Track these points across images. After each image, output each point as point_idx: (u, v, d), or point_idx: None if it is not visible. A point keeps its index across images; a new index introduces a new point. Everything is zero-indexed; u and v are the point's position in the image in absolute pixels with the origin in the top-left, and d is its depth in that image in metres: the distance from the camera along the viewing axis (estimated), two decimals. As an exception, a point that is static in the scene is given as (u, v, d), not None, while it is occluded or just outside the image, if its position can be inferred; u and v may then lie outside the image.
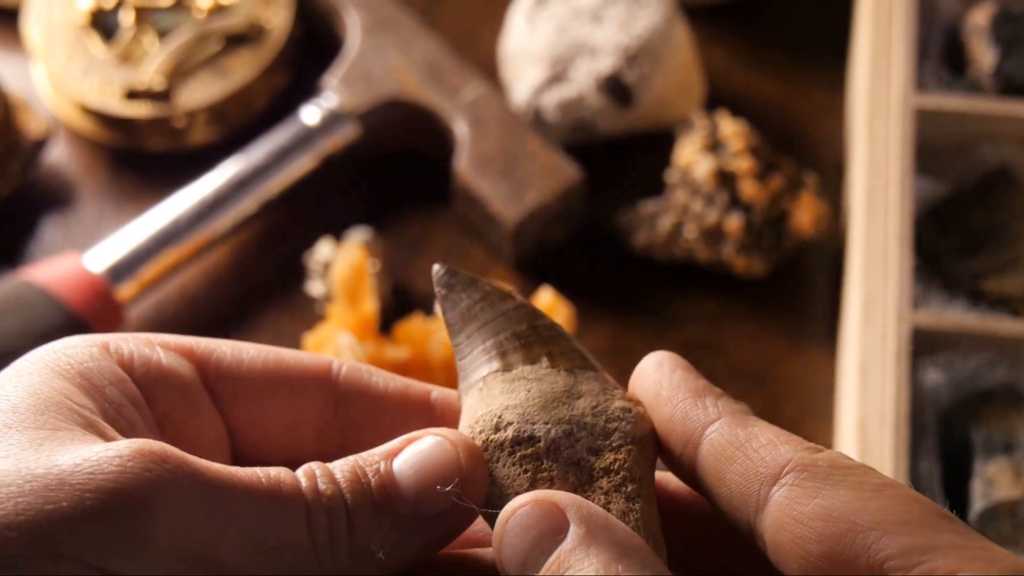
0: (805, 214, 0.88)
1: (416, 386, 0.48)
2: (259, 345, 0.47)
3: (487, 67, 0.98)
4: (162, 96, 0.92)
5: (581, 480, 0.43)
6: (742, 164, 0.88)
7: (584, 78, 0.93)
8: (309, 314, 0.89)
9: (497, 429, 0.44)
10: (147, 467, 0.39)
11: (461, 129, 0.91)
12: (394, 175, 0.95)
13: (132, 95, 0.92)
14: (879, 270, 0.80)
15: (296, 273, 0.91)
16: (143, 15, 0.95)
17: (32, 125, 0.92)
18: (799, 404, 0.87)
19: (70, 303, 0.84)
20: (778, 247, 0.89)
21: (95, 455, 0.39)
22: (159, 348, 0.45)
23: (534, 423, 0.44)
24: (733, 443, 0.43)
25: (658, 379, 0.45)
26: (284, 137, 0.92)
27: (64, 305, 0.84)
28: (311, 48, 1.00)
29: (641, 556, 0.40)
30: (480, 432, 0.44)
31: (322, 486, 0.41)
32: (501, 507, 0.42)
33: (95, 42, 0.95)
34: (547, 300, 0.83)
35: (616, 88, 0.92)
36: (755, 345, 0.89)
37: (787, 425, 0.86)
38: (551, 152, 0.91)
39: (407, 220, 0.93)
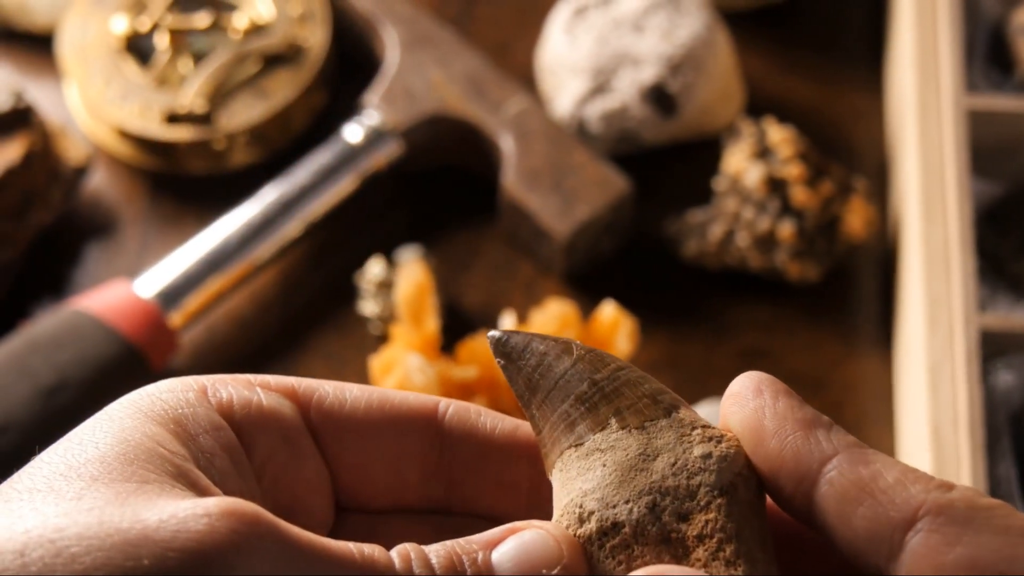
0: (856, 218, 0.88)
1: (525, 427, 0.46)
2: (362, 385, 0.46)
3: (522, 80, 0.98)
4: (203, 119, 0.92)
5: (677, 557, 0.41)
6: (792, 170, 0.88)
7: (628, 88, 0.92)
8: (360, 335, 0.89)
9: (581, 521, 0.42)
10: (235, 528, 0.37)
11: (507, 143, 0.91)
12: (437, 191, 0.95)
13: (173, 119, 0.92)
14: (941, 273, 0.80)
15: (345, 293, 0.90)
16: (178, 38, 0.94)
17: (71, 152, 0.91)
18: (858, 409, 0.87)
19: (124, 331, 0.83)
20: (830, 252, 0.89)
21: (182, 512, 0.37)
22: (259, 389, 0.44)
23: (615, 506, 0.42)
24: (857, 483, 0.40)
25: (759, 407, 0.42)
26: (328, 156, 0.91)
27: (119, 334, 0.83)
28: (346, 66, 0.99)
29: None
30: (568, 527, 0.42)
31: (416, 570, 0.40)
32: None
33: (130, 66, 0.94)
34: (610, 314, 0.83)
35: (660, 98, 0.92)
36: (811, 351, 0.89)
37: (847, 430, 0.86)
38: (598, 164, 0.90)
39: (453, 237, 0.93)
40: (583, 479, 0.43)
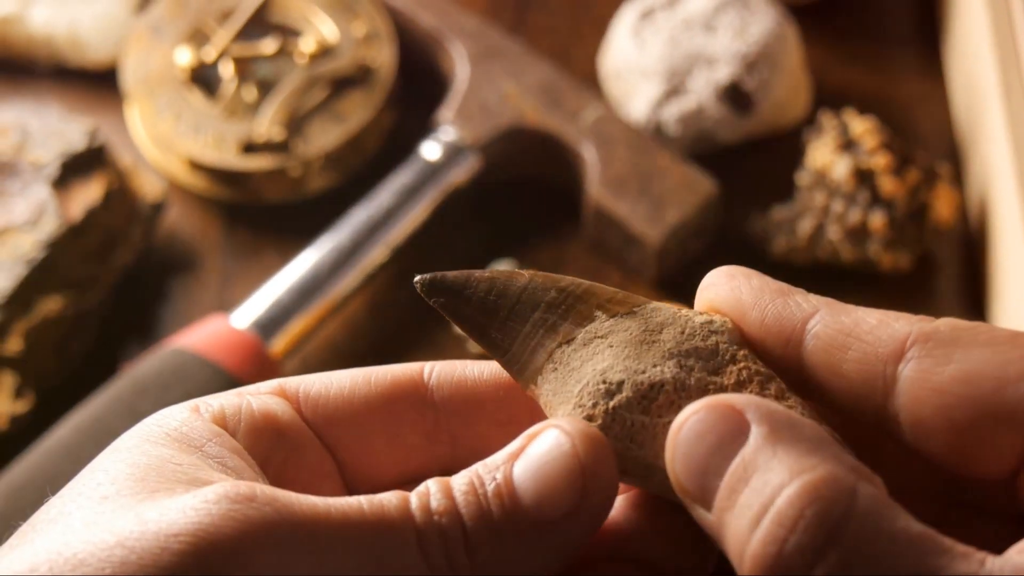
0: (944, 204, 0.88)
1: None
2: (348, 369, 0.45)
3: (588, 87, 0.97)
4: (281, 147, 0.90)
5: None
6: (879, 161, 0.88)
7: (703, 89, 0.92)
8: (458, 354, 0.88)
9: (611, 394, 0.40)
10: (232, 508, 0.37)
11: (589, 152, 0.90)
12: (517, 204, 0.94)
13: (250, 148, 0.90)
14: (1048, 254, 0.80)
15: (437, 313, 0.89)
16: (243, 66, 0.93)
17: (146, 188, 0.90)
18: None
19: (228, 367, 0.82)
20: (920, 240, 0.89)
21: (181, 503, 0.37)
22: (248, 396, 0.44)
23: (644, 372, 0.40)
24: (842, 331, 0.40)
25: (735, 287, 0.42)
26: (409, 176, 0.90)
27: (223, 370, 0.82)
28: (409, 84, 0.98)
29: (833, 449, 0.38)
30: (594, 406, 0.40)
31: (434, 504, 0.39)
32: (653, 470, 0.39)
33: (197, 97, 0.93)
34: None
35: (737, 96, 0.92)
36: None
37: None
38: (682, 166, 0.90)
39: (539, 248, 0.92)
40: (592, 364, 0.41)
